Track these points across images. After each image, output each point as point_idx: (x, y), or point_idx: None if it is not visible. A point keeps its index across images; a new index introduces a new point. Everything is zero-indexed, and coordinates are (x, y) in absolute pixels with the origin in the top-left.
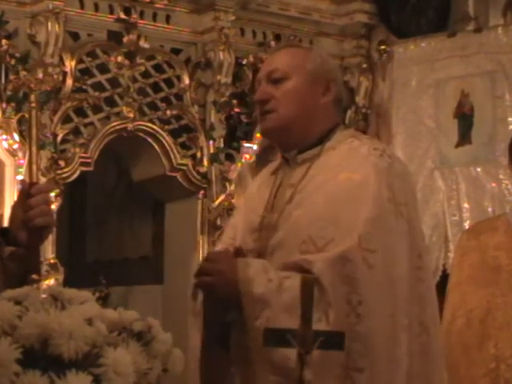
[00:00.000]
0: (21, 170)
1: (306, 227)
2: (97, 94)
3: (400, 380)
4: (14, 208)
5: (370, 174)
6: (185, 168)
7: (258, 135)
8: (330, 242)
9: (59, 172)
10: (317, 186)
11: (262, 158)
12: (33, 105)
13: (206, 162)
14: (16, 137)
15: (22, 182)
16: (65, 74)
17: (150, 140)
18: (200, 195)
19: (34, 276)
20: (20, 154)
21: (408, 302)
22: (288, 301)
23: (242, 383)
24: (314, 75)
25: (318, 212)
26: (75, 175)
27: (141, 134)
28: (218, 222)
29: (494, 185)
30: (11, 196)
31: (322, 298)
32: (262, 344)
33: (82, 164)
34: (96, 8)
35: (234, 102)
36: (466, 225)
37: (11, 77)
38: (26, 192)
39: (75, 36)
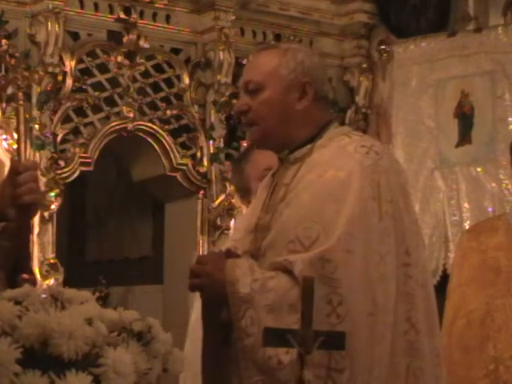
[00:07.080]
0: None
1: (293, 227)
2: (97, 93)
3: (381, 379)
4: (3, 185)
5: (354, 172)
6: (185, 168)
7: None
8: (315, 241)
9: (59, 172)
10: (305, 184)
11: None
12: (20, 102)
13: (205, 162)
14: (16, 136)
15: (12, 160)
16: (65, 73)
17: (149, 140)
18: (200, 195)
19: (25, 276)
20: None
21: (394, 300)
22: (271, 302)
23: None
24: (287, 82)
25: (305, 211)
26: (75, 175)
27: (141, 134)
28: (218, 221)
29: (494, 185)
30: None
31: None
32: (247, 344)
33: (82, 164)
34: (96, 8)
35: (234, 101)
36: (466, 225)
37: (11, 77)
38: (15, 170)
39: (75, 36)
